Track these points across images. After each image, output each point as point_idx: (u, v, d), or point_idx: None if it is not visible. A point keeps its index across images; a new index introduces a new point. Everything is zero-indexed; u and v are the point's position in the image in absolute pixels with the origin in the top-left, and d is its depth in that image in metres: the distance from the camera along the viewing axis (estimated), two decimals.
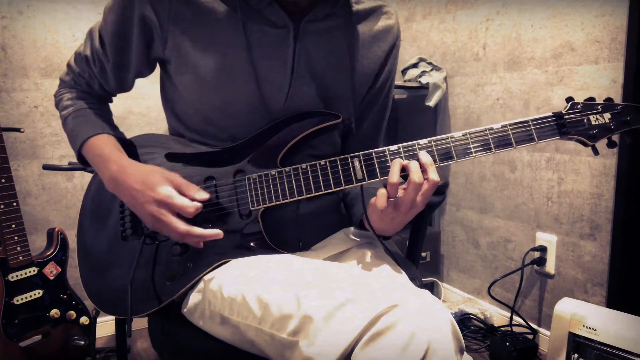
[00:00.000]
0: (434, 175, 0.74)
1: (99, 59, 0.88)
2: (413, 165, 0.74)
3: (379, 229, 0.82)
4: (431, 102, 2.01)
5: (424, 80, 2.02)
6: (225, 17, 0.80)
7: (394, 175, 0.74)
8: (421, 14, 2.20)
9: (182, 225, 0.75)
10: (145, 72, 0.92)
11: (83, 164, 0.90)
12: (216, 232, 0.77)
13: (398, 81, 2.11)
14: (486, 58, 1.89)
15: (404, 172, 0.75)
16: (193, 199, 0.77)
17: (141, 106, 1.90)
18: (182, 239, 0.77)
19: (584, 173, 1.59)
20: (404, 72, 2.14)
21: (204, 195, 0.78)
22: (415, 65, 2.10)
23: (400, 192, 0.75)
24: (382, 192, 0.75)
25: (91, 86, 0.94)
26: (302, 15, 0.82)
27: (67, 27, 1.76)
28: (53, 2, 1.73)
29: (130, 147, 0.90)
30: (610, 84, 1.48)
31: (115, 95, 0.98)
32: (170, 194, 0.75)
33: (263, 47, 0.82)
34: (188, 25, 0.80)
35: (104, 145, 0.85)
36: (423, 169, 0.74)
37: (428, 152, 0.76)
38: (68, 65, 0.95)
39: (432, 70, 2.06)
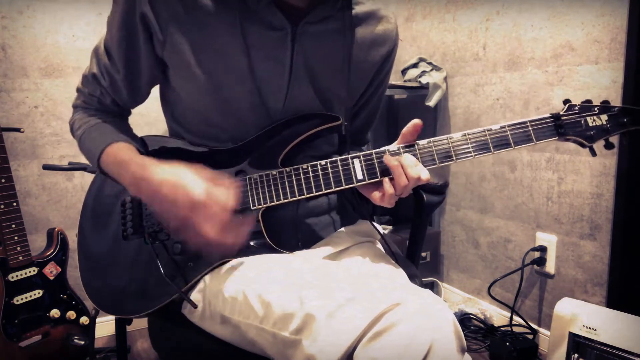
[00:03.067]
0: (413, 172, 0.75)
1: (108, 72, 0.86)
2: (396, 171, 0.76)
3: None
4: (431, 102, 2.02)
5: (424, 80, 2.02)
6: (223, 19, 0.80)
7: (403, 187, 0.76)
8: (421, 14, 2.20)
9: (213, 231, 0.69)
10: (158, 75, 0.89)
11: (105, 175, 0.86)
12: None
13: (398, 81, 2.12)
14: (486, 58, 1.89)
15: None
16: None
17: (141, 106, 1.89)
18: (207, 246, 0.70)
19: (584, 173, 1.59)
20: (404, 72, 2.14)
21: (237, 185, 0.74)
22: (415, 65, 2.10)
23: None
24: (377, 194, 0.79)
25: (103, 103, 0.91)
26: (300, 17, 0.81)
27: (67, 27, 1.76)
28: (53, 2, 1.73)
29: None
30: (610, 84, 1.48)
31: (130, 109, 0.96)
32: (207, 199, 0.68)
33: (261, 49, 0.81)
34: (186, 27, 0.79)
35: (120, 152, 0.82)
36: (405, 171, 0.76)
37: (428, 152, 0.77)
38: (78, 90, 0.92)
39: (432, 70, 2.06)
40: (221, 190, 0.71)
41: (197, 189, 0.69)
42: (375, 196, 0.79)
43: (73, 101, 0.94)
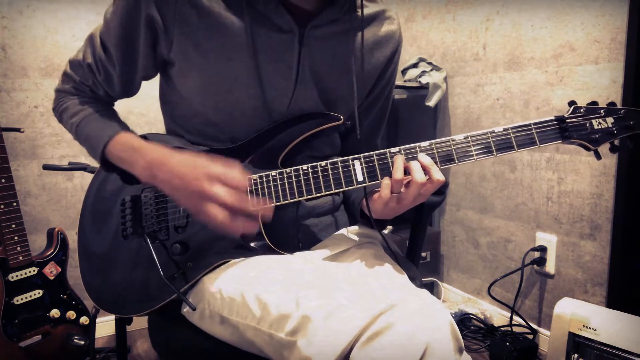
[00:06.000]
0: (438, 175, 0.74)
1: (104, 65, 0.86)
2: (414, 165, 0.74)
3: (380, 216, 0.82)
4: (431, 102, 2.02)
5: (424, 80, 2.02)
6: (231, 21, 0.79)
7: (398, 172, 0.74)
8: (421, 14, 2.20)
9: (236, 196, 0.69)
10: (152, 74, 0.89)
11: (105, 166, 0.87)
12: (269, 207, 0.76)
13: (398, 81, 2.11)
14: (486, 58, 1.89)
15: (407, 174, 0.75)
16: None
17: (141, 106, 1.90)
18: (230, 222, 0.70)
19: (584, 173, 1.59)
20: (404, 72, 2.14)
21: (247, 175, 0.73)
22: (415, 65, 2.10)
23: (403, 188, 0.75)
24: (386, 182, 0.75)
25: (95, 92, 0.91)
26: (308, 20, 0.81)
27: (67, 27, 1.76)
28: (53, 2, 1.73)
29: None
30: (610, 84, 1.48)
31: (117, 100, 0.96)
32: (224, 170, 0.70)
33: (268, 52, 0.81)
34: (193, 27, 0.79)
35: (131, 139, 0.83)
36: (425, 170, 0.74)
37: (429, 154, 0.76)
38: (65, 74, 0.92)
39: (432, 70, 2.06)
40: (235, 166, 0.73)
41: (214, 165, 0.71)
42: (379, 202, 0.78)
43: (58, 85, 0.94)
